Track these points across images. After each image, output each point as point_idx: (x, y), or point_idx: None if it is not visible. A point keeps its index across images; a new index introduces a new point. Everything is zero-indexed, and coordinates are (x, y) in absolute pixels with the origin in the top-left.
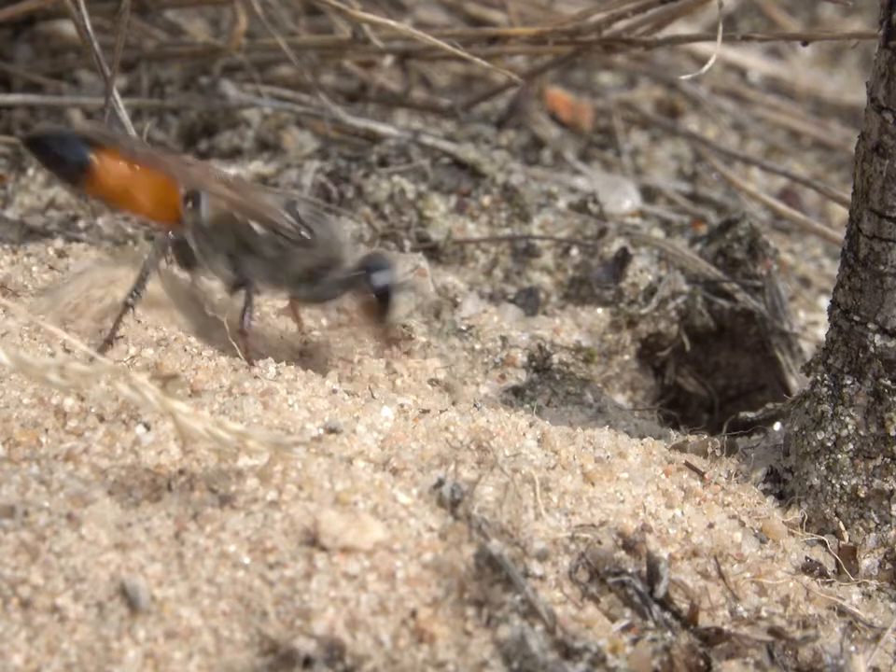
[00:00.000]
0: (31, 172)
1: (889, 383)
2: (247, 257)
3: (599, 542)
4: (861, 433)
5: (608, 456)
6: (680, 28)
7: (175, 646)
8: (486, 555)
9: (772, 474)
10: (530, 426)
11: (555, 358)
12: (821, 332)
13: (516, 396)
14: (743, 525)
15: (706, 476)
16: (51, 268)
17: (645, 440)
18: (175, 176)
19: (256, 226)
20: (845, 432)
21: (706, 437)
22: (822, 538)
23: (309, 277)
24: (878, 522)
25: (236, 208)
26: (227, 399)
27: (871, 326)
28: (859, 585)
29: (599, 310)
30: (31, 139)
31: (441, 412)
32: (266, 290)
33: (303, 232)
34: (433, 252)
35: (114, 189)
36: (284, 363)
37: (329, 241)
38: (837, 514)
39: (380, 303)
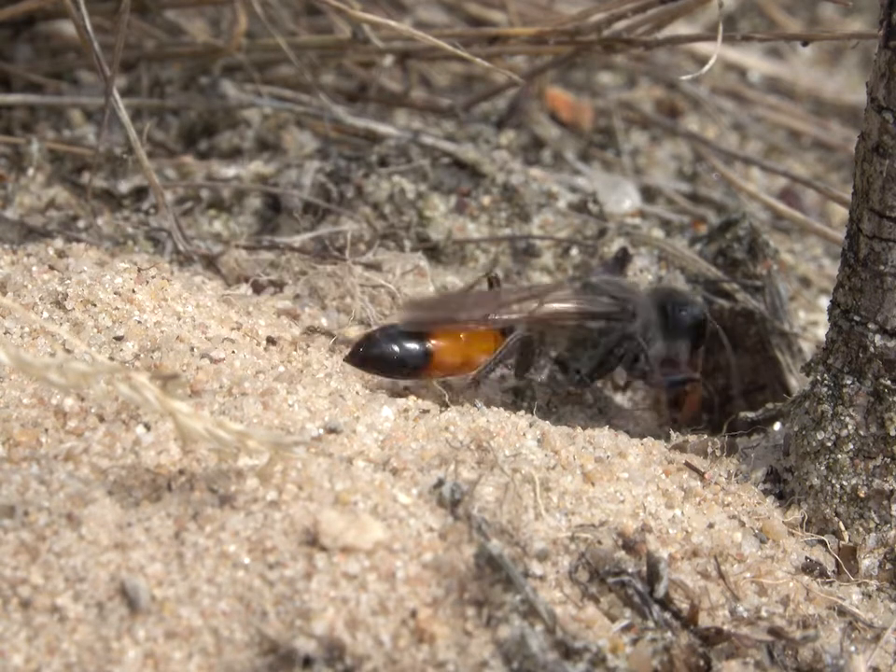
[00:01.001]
0: (31, 172)
1: (889, 383)
2: (591, 351)
3: (599, 542)
4: (861, 433)
5: (608, 456)
6: (680, 28)
7: (175, 646)
8: (486, 555)
9: (772, 474)
10: (530, 426)
11: None
12: (821, 332)
13: (516, 396)
14: (743, 524)
15: (706, 476)
16: (51, 268)
17: (645, 440)
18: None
19: (589, 323)
20: (845, 432)
21: (706, 437)
22: (822, 538)
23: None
24: (878, 522)
25: (566, 318)
26: (227, 399)
27: (871, 326)
28: (859, 585)
29: None
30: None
31: (441, 411)
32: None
33: (627, 307)
34: (433, 252)
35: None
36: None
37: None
38: (837, 514)
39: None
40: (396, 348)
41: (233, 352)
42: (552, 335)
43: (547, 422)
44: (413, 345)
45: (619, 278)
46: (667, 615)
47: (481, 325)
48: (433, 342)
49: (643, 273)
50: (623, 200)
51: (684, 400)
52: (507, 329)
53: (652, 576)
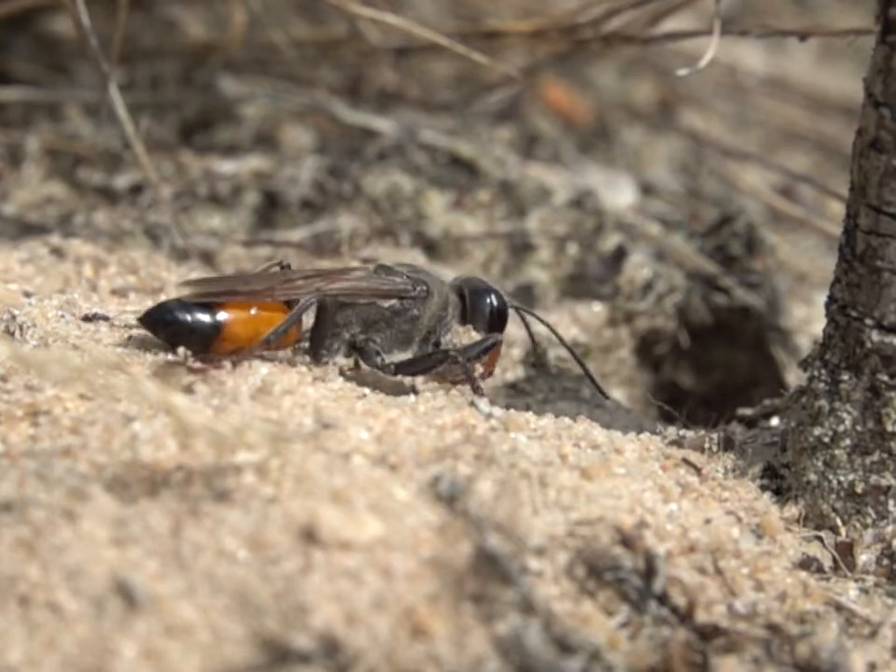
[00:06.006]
0: (28, 167)
1: (886, 378)
2: (382, 334)
3: (596, 538)
4: (858, 429)
5: (604, 452)
6: (678, 23)
7: (173, 641)
8: (484, 551)
9: (769, 470)
10: (527, 421)
11: (552, 354)
12: (818, 328)
13: (514, 391)
14: (740, 520)
15: (703, 472)
16: (48, 264)
17: (642, 435)
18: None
19: (381, 302)
20: (842, 428)
21: (703, 432)
22: (819, 533)
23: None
24: (875, 517)
25: (356, 296)
26: (224, 394)
27: (868, 321)
28: (856, 581)
29: (596, 306)
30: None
31: (439, 408)
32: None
33: (420, 287)
34: (430, 248)
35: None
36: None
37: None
38: (834, 510)
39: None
40: (188, 317)
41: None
42: (343, 315)
43: (544, 418)
44: (204, 316)
45: (418, 265)
46: (665, 611)
47: (265, 298)
48: (224, 314)
49: (640, 268)
50: (621, 195)
51: (489, 357)
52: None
53: (650, 572)
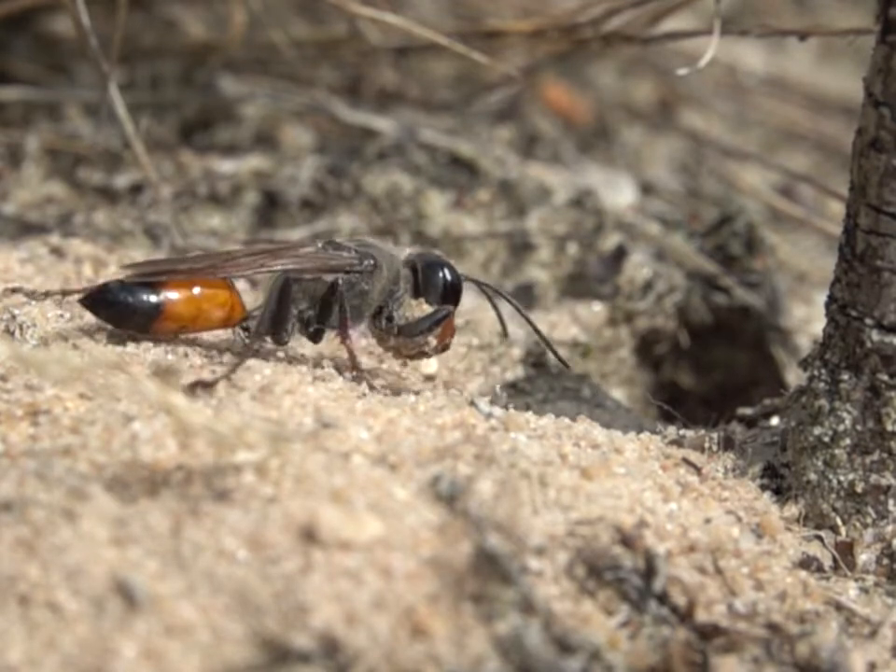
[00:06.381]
0: (28, 166)
1: (886, 378)
2: (329, 309)
3: (596, 538)
4: (858, 428)
5: (604, 452)
6: (678, 23)
7: (173, 641)
8: (484, 551)
9: (769, 469)
10: (527, 421)
11: (552, 354)
12: (818, 328)
13: (513, 391)
14: (740, 520)
15: (703, 471)
16: (48, 263)
17: (642, 435)
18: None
19: (328, 277)
20: (842, 427)
21: (703, 432)
22: (819, 533)
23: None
24: (875, 517)
25: (300, 270)
26: (224, 394)
27: (868, 321)
28: (856, 580)
29: (596, 305)
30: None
31: (439, 407)
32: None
33: (367, 262)
34: (431, 247)
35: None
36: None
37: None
38: (834, 510)
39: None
40: (128, 297)
41: (228, 347)
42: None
43: (544, 417)
44: (144, 296)
45: (373, 238)
46: (665, 610)
47: (206, 276)
48: (165, 294)
49: (640, 268)
50: (621, 195)
51: (443, 328)
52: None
53: (650, 571)
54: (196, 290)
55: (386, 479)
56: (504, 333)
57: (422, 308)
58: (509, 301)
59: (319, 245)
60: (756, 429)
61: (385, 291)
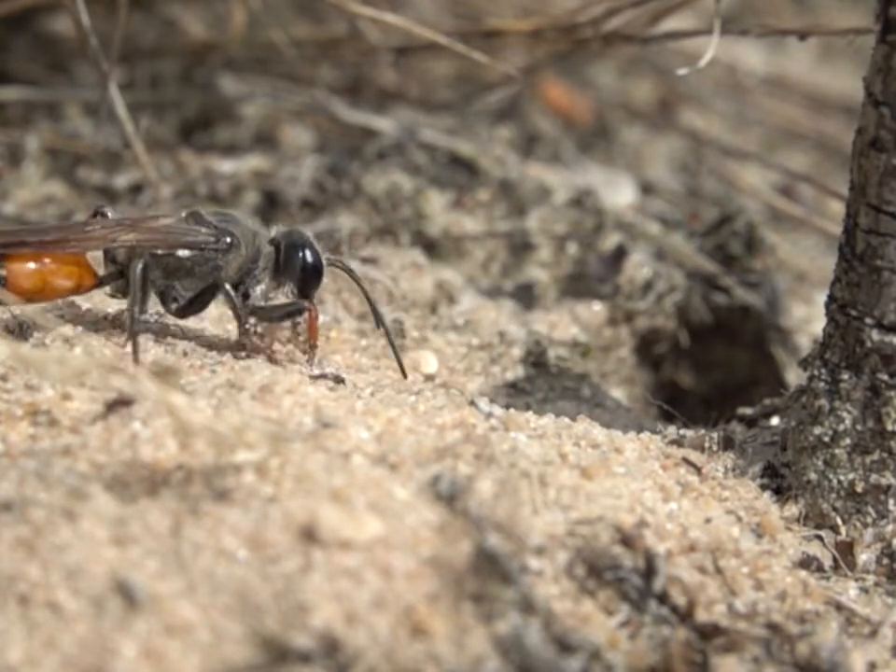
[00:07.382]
0: (28, 166)
1: (886, 377)
2: (186, 281)
3: (596, 537)
4: (858, 428)
5: (604, 451)
6: (678, 23)
7: (173, 641)
8: (483, 550)
9: (769, 469)
10: (527, 421)
11: (552, 353)
12: (818, 327)
13: (513, 390)
14: (740, 519)
15: (703, 471)
16: None
17: (642, 435)
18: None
19: (181, 252)
20: (842, 427)
21: (703, 432)
22: (819, 533)
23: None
24: (875, 517)
25: (152, 246)
26: (223, 394)
27: (868, 320)
28: (856, 580)
29: (596, 305)
30: None
31: (439, 407)
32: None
33: (223, 238)
34: (430, 247)
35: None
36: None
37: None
38: (834, 509)
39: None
40: None
41: (228, 347)
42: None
43: (544, 417)
44: None
45: (235, 213)
46: (665, 610)
47: (56, 249)
48: (9, 267)
49: (640, 267)
50: (621, 195)
51: (308, 329)
52: (111, 255)
53: (650, 571)
54: (41, 263)
55: (386, 479)
56: (376, 322)
57: (287, 296)
58: (359, 284)
59: (182, 215)
60: (756, 429)
61: (243, 269)
